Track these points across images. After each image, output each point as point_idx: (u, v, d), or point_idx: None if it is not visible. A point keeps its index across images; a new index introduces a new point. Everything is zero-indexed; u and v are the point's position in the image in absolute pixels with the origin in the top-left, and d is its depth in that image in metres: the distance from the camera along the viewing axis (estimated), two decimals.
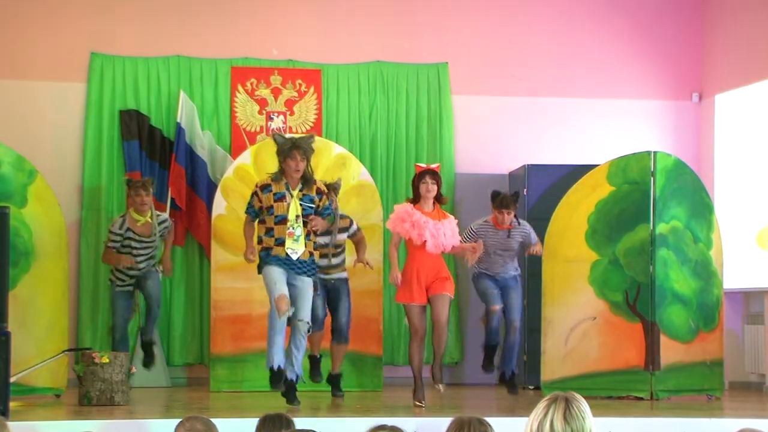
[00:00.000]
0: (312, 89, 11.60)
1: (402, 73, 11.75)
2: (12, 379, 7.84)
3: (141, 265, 9.95)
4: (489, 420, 4.38)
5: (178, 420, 4.89)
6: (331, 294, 9.54)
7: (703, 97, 12.12)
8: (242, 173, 10.43)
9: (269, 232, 8.51)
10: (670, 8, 12.21)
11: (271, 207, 8.49)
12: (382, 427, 4.16)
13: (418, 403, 8.57)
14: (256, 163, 10.45)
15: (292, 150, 8.52)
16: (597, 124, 12.04)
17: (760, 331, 10.84)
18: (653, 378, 9.43)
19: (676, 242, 9.58)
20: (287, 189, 8.53)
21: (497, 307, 9.38)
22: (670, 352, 9.47)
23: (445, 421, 4.35)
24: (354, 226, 9.53)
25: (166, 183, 11.16)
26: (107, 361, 8.57)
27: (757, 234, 10.96)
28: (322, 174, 10.47)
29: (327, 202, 8.72)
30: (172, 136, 11.21)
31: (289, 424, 4.83)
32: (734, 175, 11.44)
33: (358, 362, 10.24)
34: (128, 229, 9.86)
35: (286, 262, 8.43)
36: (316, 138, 10.94)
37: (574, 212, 9.66)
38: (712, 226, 9.76)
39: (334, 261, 9.46)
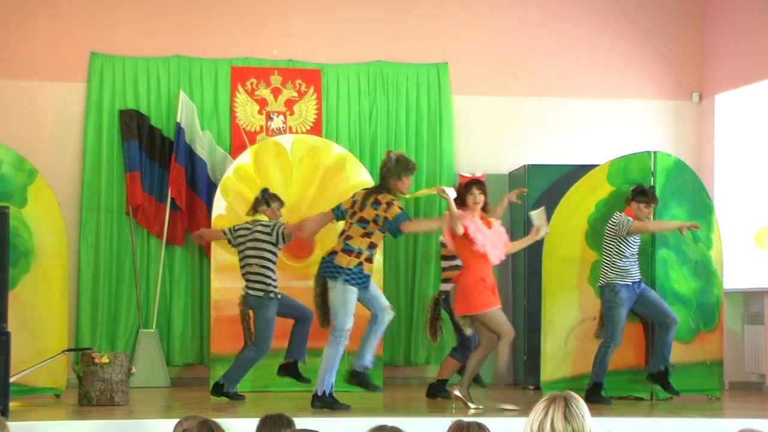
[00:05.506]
0: (312, 89, 11.60)
1: (402, 73, 11.74)
2: (12, 379, 7.85)
3: None
4: (489, 420, 4.39)
5: (178, 420, 4.90)
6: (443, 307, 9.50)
7: (703, 97, 12.11)
8: (242, 173, 10.43)
9: (372, 247, 8.45)
10: (671, 8, 12.21)
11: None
12: (382, 427, 4.16)
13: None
14: (256, 163, 10.44)
15: (413, 171, 8.56)
16: (597, 124, 12.04)
17: (760, 331, 10.84)
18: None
19: (676, 242, 9.58)
20: None
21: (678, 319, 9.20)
22: None
23: (446, 421, 4.35)
24: None
25: (166, 183, 11.16)
26: (107, 361, 8.58)
27: (754, 234, 10.96)
28: (322, 174, 10.48)
29: None
30: (172, 136, 11.21)
31: (290, 423, 4.83)
32: (734, 175, 11.44)
33: None
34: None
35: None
36: (316, 138, 11.01)
37: (574, 212, 9.66)
38: (712, 226, 9.76)
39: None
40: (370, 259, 8.42)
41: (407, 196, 8.87)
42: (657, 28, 12.18)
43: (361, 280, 8.36)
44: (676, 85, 12.18)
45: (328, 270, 8.40)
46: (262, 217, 9.32)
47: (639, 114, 12.10)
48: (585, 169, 10.07)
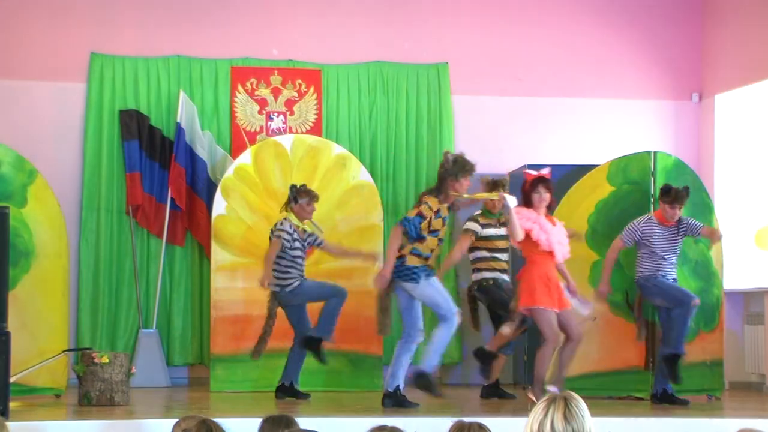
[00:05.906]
0: (312, 89, 11.60)
1: (402, 73, 11.75)
2: (12, 379, 7.85)
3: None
4: (489, 420, 4.39)
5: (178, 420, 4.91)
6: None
7: (703, 97, 12.12)
8: (242, 173, 10.43)
9: (431, 251, 8.45)
10: (670, 8, 12.21)
11: (438, 230, 8.46)
12: (382, 427, 4.17)
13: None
14: (256, 163, 10.45)
15: (472, 172, 8.51)
16: (597, 124, 12.04)
17: (760, 331, 10.84)
18: (653, 378, 9.42)
19: None
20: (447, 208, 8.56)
21: (698, 300, 9.00)
22: None
23: (445, 422, 4.35)
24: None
25: (166, 183, 11.16)
26: (107, 361, 8.58)
27: (754, 234, 10.96)
28: (322, 174, 10.48)
29: None
30: (172, 136, 11.21)
31: (291, 424, 4.84)
32: (734, 175, 11.44)
33: (358, 362, 10.24)
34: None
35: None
36: (316, 138, 11.02)
37: (574, 212, 9.66)
38: (712, 226, 9.76)
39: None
40: (427, 258, 8.46)
41: (466, 196, 8.83)
42: (657, 28, 12.18)
43: (430, 272, 8.44)
44: (676, 85, 12.19)
45: (404, 275, 8.40)
46: (291, 215, 9.36)
47: (639, 114, 12.11)
48: (585, 169, 10.07)
